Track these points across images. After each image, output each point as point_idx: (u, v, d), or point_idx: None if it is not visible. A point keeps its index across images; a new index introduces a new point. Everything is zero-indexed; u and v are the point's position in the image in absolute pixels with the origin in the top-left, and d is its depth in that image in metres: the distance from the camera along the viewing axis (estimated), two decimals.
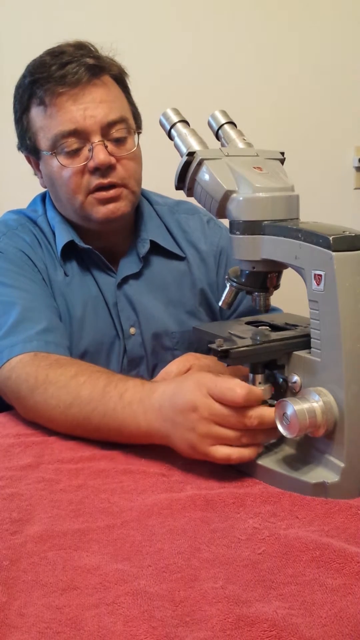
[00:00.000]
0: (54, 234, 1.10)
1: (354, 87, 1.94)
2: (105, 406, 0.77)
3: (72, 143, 1.00)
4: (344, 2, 1.91)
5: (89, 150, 1.00)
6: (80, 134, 1.00)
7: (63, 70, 0.98)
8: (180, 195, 0.84)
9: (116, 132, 1.01)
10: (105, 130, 1.00)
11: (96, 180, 1.01)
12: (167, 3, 1.76)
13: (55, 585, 0.52)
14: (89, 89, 1.00)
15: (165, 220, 1.18)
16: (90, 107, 0.99)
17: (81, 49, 1.01)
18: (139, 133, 1.09)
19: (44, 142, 1.03)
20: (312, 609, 0.47)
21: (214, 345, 0.70)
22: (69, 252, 1.08)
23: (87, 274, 1.10)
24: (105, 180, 1.01)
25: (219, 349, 0.69)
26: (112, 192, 1.02)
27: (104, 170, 1.00)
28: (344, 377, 0.63)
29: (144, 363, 1.13)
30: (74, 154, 1.01)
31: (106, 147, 1.00)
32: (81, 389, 0.81)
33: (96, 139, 1.00)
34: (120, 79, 1.07)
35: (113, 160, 1.01)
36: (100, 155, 0.99)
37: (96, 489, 0.69)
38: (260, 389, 0.69)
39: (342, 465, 0.64)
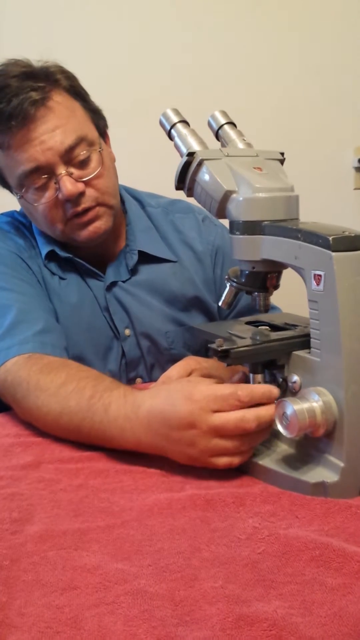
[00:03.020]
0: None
1: (354, 87, 1.94)
2: (92, 419, 0.77)
3: (38, 179, 0.99)
4: (344, 2, 1.92)
5: (55, 182, 0.99)
6: (43, 169, 0.98)
7: (9, 107, 0.95)
8: (177, 194, 0.84)
9: (79, 155, 0.99)
10: (66, 157, 0.98)
11: (70, 210, 1.00)
12: (168, 3, 1.76)
13: (55, 585, 0.52)
14: (39, 121, 0.96)
15: (158, 223, 1.17)
16: (45, 139, 0.96)
17: (25, 80, 0.96)
18: (105, 135, 1.08)
19: (11, 180, 1.03)
20: (312, 608, 0.47)
21: (213, 345, 0.69)
22: (58, 256, 1.09)
23: (80, 277, 1.10)
24: (79, 208, 1.00)
25: (219, 349, 0.68)
26: (89, 215, 1.02)
27: (74, 199, 0.99)
28: (344, 377, 0.63)
29: (141, 364, 1.13)
30: (42, 189, 1.00)
31: (71, 174, 0.99)
32: (69, 399, 0.80)
33: (60, 170, 0.98)
34: (71, 88, 1.03)
35: (81, 187, 0.99)
36: (68, 186, 0.97)
37: (96, 489, 0.69)
38: (260, 386, 0.69)
39: (342, 464, 0.64)
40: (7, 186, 1.07)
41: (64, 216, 1.02)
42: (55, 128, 0.97)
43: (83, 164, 1.00)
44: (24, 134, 0.96)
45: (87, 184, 1.01)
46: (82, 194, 1.00)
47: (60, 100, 1.00)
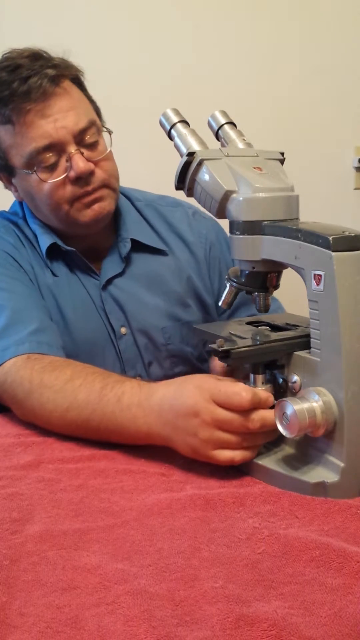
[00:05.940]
0: (36, 236, 1.10)
1: (354, 87, 1.94)
2: (104, 409, 0.77)
3: (49, 157, 0.99)
4: (344, 2, 1.92)
5: (67, 161, 0.99)
6: (56, 147, 0.99)
7: (26, 85, 0.95)
8: (178, 194, 0.83)
9: (89, 138, 1.01)
10: (78, 138, 1.00)
11: (80, 190, 1.01)
12: (168, 3, 1.76)
13: (55, 585, 0.52)
14: (54, 99, 0.98)
15: (146, 215, 1.18)
16: (59, 117, 0.98)
17: (37, 60, 0.98)
18: (105, 129, 1.09)
19: (17, 159, 1.02)
20: (312, 609, 0.47)
21: (214, 346, 0.69)
22: (54, 253, 1.09)
23: (74, 275, 1.10)
24: (90, 188, 1.01)
25: (220, 349, 0.68)
26: (96, 194, 1.03)
27: (85, 178, 1.00)
28: (344, 377, 0.63)
29: (139, 361, 1.13)
30: (52, 167, 1.00)
31: (82, 154, 0.99)
32: (77, 393, 0.80)
33: (72, 148, 0.99)
34: (77, 79, 1.05)
35: (92, 166, 1.01)
36: (80, 164, 0.98)
37: (96, 489, 0.69)
38: (265, 391, 0.69)
39: (342, 465, 0.64)
40: (7, 168, 1.05)
41: (70, 196, 1.02)
42: (69, 109, 0.99)
43: (92, 146, 1.02)
44: (39, 110, 0.97)
45: (95, 164, 1.02)
46: (92, 174, 1.01)
47: (70, 86, 1.02)
